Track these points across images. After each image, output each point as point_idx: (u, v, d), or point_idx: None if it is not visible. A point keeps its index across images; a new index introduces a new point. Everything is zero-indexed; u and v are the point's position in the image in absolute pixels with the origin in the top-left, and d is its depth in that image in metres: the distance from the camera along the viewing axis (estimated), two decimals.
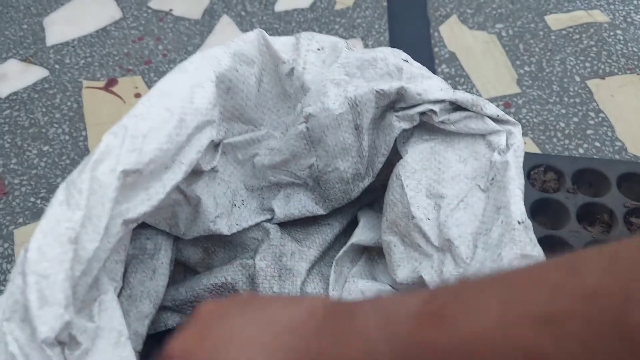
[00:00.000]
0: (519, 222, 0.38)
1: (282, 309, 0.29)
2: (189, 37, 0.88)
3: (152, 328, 0.48)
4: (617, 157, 0.71)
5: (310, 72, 0.46)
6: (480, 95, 0.78)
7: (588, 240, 0.58)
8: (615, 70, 0.81)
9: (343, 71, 0.45)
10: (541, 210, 0.62)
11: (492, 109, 0.44)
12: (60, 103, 0.80)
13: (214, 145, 0.47)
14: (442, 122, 0.44)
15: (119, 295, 0.43)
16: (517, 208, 0.39)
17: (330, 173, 0.47)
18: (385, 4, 0.93)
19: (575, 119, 0.75)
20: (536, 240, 0.39)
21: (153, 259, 0.48)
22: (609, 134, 0.73)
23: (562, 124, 0.75)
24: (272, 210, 0.50)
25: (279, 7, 0.92)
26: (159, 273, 0.48)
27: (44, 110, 0.79)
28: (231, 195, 0.50)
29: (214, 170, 0.48)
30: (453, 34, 0.88)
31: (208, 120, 0.42)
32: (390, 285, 0.47)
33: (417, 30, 0.88)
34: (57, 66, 0.85)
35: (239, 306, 0.31)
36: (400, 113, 0.44)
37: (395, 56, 0.45)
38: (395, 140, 0.47)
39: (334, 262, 0.48)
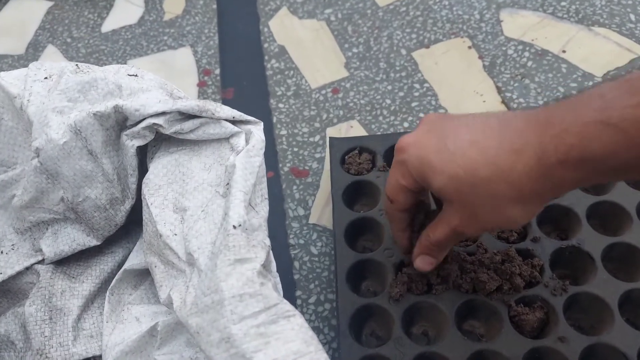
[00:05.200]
0: (234, 227, 0.37)
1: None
2: None
3: None
4: None
5: (34, 103, 0.43)
6: (309, 86, 0.78)
7: None
8: (440, 37, 0.81)
9: (65, 97, 0.43)
10: (358, 194, 0.62)
11: (225, 112, 0.43)
12: None
13: None
14: (177, 132, 0.43)
15: None
16: (235, 212, 0.38)
17: (83, 203, 0.45)
18: (215, 6, 0.91)
19: (401, 94, 0.75)
20: (261, 240, 0.38)
21: None
22: (433, 102, 0.73)
23: (389, 101, 0.74)
24: (42, 251, 0.48)
25: (106, 27, 0.90)
26: None
27: None
28: None
29: None
30: (283, 26, 0.87)
31: None
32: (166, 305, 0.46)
33: (246, 28, 0.87)
34: None
35: (456, 117, 0.39)
36: (128, 131, 0.42)
37: (117, 73, 0.43)
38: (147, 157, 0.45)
39: (108, 292, 0.46)
